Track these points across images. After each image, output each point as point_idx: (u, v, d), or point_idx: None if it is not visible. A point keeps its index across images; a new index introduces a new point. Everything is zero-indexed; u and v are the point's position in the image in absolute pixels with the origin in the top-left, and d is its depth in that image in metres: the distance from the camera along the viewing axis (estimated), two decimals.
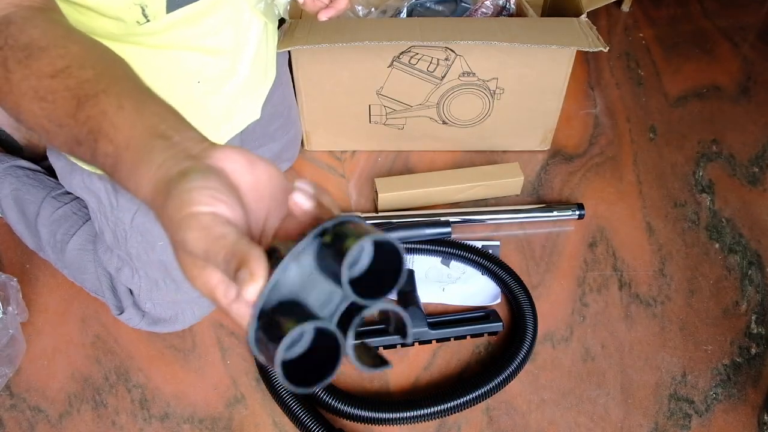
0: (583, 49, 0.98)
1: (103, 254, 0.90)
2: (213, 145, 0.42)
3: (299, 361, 0.40)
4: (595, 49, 0.98)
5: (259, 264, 0.36)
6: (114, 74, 0.48)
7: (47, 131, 0.48)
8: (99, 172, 0.79)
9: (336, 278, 0.37)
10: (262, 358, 0.38)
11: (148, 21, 0.70)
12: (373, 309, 0.39)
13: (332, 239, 0.38)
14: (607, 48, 0.97)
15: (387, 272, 0.39)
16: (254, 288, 0.35)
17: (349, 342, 0.39)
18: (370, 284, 0.39)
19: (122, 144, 0.43)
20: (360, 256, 0.41)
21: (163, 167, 0.40)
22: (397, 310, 0.41)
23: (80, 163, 0.81)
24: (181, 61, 0.77)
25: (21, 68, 0.48)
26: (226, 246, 0.36)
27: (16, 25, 0.50)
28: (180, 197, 0.38)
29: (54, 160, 0.86)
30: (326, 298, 0.41)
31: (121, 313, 0.92)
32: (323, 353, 0.39)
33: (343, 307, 0.41)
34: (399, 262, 0.38)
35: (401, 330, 0.41)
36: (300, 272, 0.39)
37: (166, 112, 0.45)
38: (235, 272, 0.36)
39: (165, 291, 0.89)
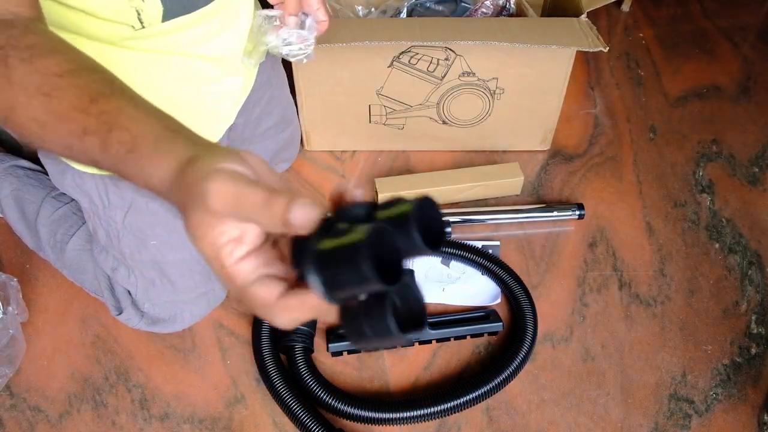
0: (583, 50, 0.98)
1: (98, 255, 0.90)
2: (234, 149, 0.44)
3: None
4: (595, 49, 0.98)
5: (310, 200, 0.37)
6: (121, 84, 0.49)
7: (42, 124, 0.48)
8: (91, 170, 0.79)
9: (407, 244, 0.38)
10: (339, 293, 0.38)
11: (143, 27, 0.70)
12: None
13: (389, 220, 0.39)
14: (607, 48, 0.97)
15: (433, 223, 0.39)
16: (310, 212, 0.37)
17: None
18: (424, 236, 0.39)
19: (141, 133, 0.44)
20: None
21: (188, 150, 0.42)
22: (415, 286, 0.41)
23: (72, 163, 0.80)
24: (170, 65, 0.77)
25: (24, 65, 0.49)
26: (262, 191, 0.37)
27: (18, 29, 0.51)
28: (205, 161, 0.40)
29: (45, 162, 0.86)
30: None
31: (120, 314, 0.92)
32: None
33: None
34: (436, 210, 0.40)
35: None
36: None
37: (178, 120, 0.47)
38: (286, 210, 0.37)
39: (161, 290, 0.89)
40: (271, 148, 1.07)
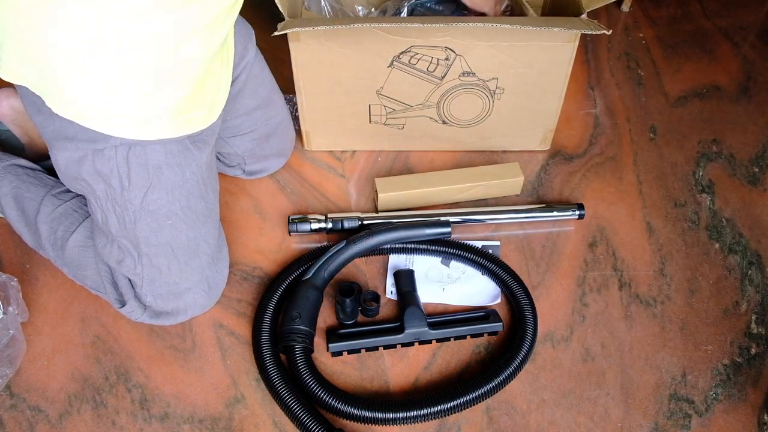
0: (585, 32, 0.97)
1: (102, 248, 0.90)
2: None
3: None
4: (598, 32, 0.96)
5: None
6: None
7: None
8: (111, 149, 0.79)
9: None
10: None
11: None
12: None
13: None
14: (610, 31, 0.96)
15: None
16: None
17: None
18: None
19: None
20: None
21: None
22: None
23: (94, 145, 0.79)
24: None
25: None
26: None
27: None
28: None
29: (60, 153, 0.83)
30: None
31: (122, 307, 0.92)
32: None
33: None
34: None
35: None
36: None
37: None
38: None
39: (167, 278, 0.90)
40: (258, 132, 1.06)
